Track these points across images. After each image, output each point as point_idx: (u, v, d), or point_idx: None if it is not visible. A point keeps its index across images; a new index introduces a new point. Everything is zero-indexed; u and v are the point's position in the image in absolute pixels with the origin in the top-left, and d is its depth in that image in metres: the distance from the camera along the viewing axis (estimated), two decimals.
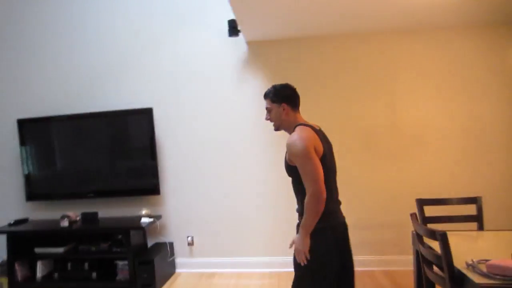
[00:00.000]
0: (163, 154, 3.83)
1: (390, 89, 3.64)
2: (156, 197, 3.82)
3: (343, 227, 1.93)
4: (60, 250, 3.56)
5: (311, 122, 1.99)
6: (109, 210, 3.89)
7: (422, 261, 2.04)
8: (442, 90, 3.60)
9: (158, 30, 3.83)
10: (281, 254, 3.73)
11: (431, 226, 2.66)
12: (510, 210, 3.57)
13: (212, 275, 3.72)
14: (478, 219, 2.70)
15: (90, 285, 3.49)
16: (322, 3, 2.83)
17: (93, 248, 3.54)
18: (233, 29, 3.57)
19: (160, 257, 3.53)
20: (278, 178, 3.72)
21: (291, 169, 1.86)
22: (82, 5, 3.90)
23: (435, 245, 2.03)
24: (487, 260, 1.74)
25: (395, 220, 3.62)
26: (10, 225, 3.70)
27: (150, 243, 3.85)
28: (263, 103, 3.73)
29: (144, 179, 3.74)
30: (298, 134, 1.82)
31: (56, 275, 3.60)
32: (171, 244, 3.82)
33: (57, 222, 3.71)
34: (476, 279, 1.61)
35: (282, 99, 1.97)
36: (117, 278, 3.50)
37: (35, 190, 3.85)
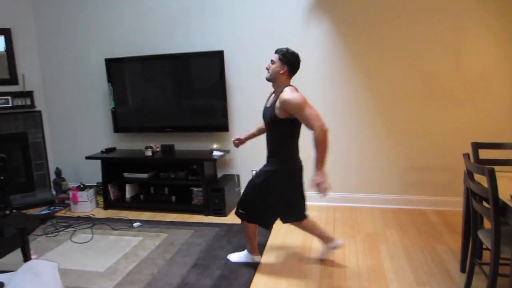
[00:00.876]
0: (231, 94, 4.16)
1: (455, 34, 3.59)
2: (225, 133, 4.23)
3: (301, 170, 2.61)
4: (144, 175, 4.15)
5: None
6: (184, 144, 4.38)
7: (471, 196, 2.25)
8: (509, 37, 3.49)
9: None
10: (337, 190, 4.05)
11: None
12: None
13: None
14: None
15: (170, 207, 4.07)
16: None
17: (172, 176, 4.08)
18: None
19: (229, 186, 4.00)
20: (338, 119, 3.94)
21: (279, 122, 2.40)
22: None
23: (484, 181, 2.22)
24: None
25: (450, 163, 3.76)
26: (102, 152, 4.32)
27: (219, 174, 4.33)
28: (327, 50, 3.89)
29: (215, 117, 4.12)
30: (295, 92, 2.37)
31: (141, 196, 4.24)
32: (238, 176, 4.27)
33: (141, 151, 4.27)
34: None
35: (287, 62, 2.45)
36: (193, 202, 4.05)
37: (120, 123, 4.41)
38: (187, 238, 3.31)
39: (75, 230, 3.60)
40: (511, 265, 1.85)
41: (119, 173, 4.26)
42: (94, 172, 4.64)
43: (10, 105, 4.42)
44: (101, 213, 4.10)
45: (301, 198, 2.71)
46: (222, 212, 3.87)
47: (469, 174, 2.25)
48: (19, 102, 4.50)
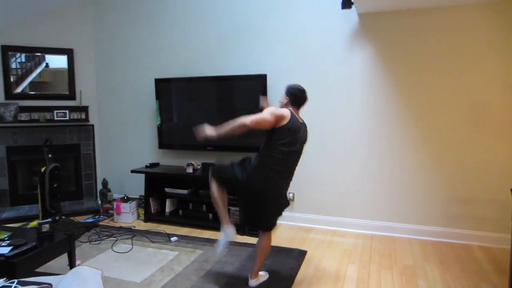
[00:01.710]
0: None
1: (505, 62, 3.48)
2: None
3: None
4: (184, 191, 4.29)
5: (300, 118, 2.82)
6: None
7: None
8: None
9: (273, 1, 4.14)
10: (375, 218, 3.97)
11: None
12: None
13: (309, 229, 4.13)
14: None
15: (207, 224, 4.16)
16: None
17: (211, 194, 4.17)
18: (346, 1, 3.71)
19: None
20: (381, 146, 3.89)
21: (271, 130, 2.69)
22: None
23: None
24: None
25: (499, 196, 3.57)
26: (146, 167, 4.53)
27: None
28: (368, 75, 3.89)
29: (255, 138, 4.20)
30: (282, 109, 2.73)
31: (180, 212, 4.37)
32: None
33: (182, 168, 4.42)
34: None
35: (289, 94, 2.84)
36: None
37: (164, 140, 4.61)
38: (221, 257, 3.36)
39: (116, 240, 3.76)
40: None
41: (160, 188, 4.43)
42: (137, 185, 4.85)
43: (67, 118, 4.77)
44: (141, 225, 4.26)
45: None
46: (257, 233, 3.88)
47: None
48: (75, 115, 4.86)
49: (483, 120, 3.57)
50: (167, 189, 4.37)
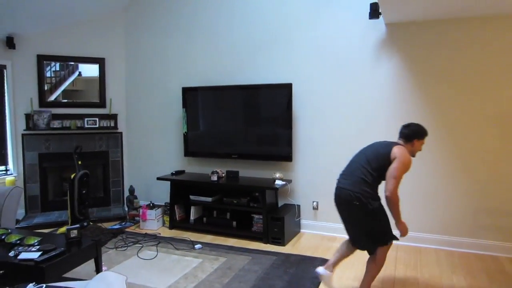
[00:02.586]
0: (297, 125, 4.23)
1: None
2: (288, 163, 4.28)
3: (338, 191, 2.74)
4: (209, 199, 4.31)
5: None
6: (248, 171, 4.50)
7: None
8: None
9: (303, 11, 4.14)
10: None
11: None
12: None
13: (333, 238, 4.07)
14: None
15: (230, 232, 4.17)
16: None
17: (235, 201, 4.19)
18: (374, 11, 3.68)
19: (289, 216, 4.00)
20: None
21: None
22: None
23: None
24: None
25: None
26: (172, 174, 4.59)
27: (280, 203, 4.36)
28: (395, 85, 3.82)
29: (279, 146, 4.21)
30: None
31: (204, 219, 4.39)
32: (298, 206, 4.26)
33: (207, 176, 4.46)
34: None
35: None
36: (253, 229, 4.10)
37: (190, 148, 4.67)
38: (245, 264, 3.35)
39: (142, 247, 3.82)
40: None
41: (185, 195, 4.48)
42: (163, 192, 4.92)
43: (97, 126, 4.93)
44: (166, 232, 4.31)
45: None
46: (281, 242, 3.86)
47: None
48: (104, 123, 5.01)
49: (509, 132, 3.43)
50: (192, 197, 4.41)
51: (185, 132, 4.67)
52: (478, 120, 3.55)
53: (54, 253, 2.54)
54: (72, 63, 4.92)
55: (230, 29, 4.50)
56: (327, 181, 4.15)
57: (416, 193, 3.81)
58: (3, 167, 4.68)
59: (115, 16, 5.10)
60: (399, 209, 2.57)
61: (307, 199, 4.26)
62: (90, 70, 5.01)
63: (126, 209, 4.84)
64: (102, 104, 5.04)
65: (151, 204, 4.55)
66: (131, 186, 4.87)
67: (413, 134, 2.71)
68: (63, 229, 3.99)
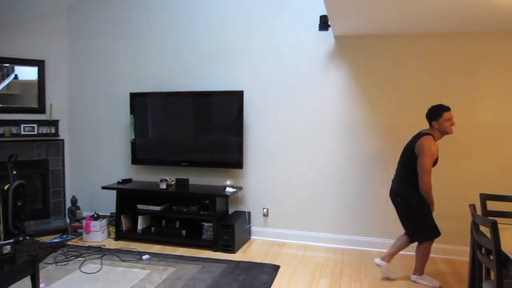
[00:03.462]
0: (248, 132, 4.26)
1: (470, 88, 3.67)
2: (239, 170, 4.28)
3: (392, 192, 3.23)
4: (157, 208, 4.20)
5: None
6: (199, 178, 4.45)
7: (476, 246, 2.22)
8: None
9: (255, 20, 4.19)
10: (346, 233, 4.02)
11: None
12: None
13: (282, 244, 4.12)
14: None
15: (180, 241, 4.08)
16: (412, 4, 2.94)
17: (184, 210, 4.12)
18: (323, 24, 3.81)
19: (239, 223, 4.00)
20: (349, 166, 3.97)
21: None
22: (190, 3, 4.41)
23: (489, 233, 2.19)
24: None
25: (461, 211, 3.70)
26: (118, 183, 4.42)
27: (230, 210, 4.35)
28: (342, 96, 3.98)
29: (230, 154, 4.20)
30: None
31: (152, 229, 4.26)
32: (249, 213, 4.28)
33: (156, 184, 4.35)
34: None
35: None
36: (202, 237, 4.05)
37: (138, 155, 4.53)
38: (194, 274, 3.29)
39: (85, 260, 3.63)
40: None
41: (132, 205, 4.33)
42: (109, 202, 4.71)
43: (35, 132, 4.61)
44: (112, 244, 4.13)
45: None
46: (231, 249, 3.85)
47: (474, 225, 2.22)
48: (44, 130, 4.70)
49: (447, 139, 3.68)
50: (139, 206, 4.27)
51: (133, 139, 4.52)
52: (417, 125, 3.77)
53: None
54: (7, 65, 4.58)
55: (182, 34, 4.45)
56: (277, 188, 4.22)
57: (361, 199, 3.98)
58: None
59: (57, 17, 4.83)
60: (431, 196, 3.01)
61: (257, 206, 4.29)
62: (28, 73, 4.69)
63: (68, 221, 4.57)
64: (41, 109, 4.73)
65: (95, 215, 4.34)
66: (73, 197, 4.61)
67: (428, 117, 3.09)
68: None
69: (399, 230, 3.84)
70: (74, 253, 3.78)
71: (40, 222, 4.61)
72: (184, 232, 4.14)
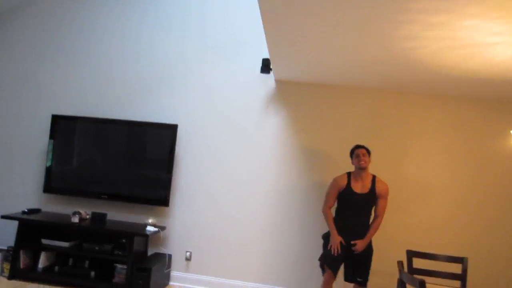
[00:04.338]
0: (179, 169, 4.03)
1: (399, 145, 3.86)
2: (164, 208, 3.99)
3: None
4: (65, 244, 3.72)
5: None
6: (119, 214, 4.05)
7: None
8: (448, 154, 3.81)
9: (195, 56, 4.14)
10: (272, 283, 3.83)
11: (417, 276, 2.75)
12: (496, 275, 3.64)
13: None
14: (462, 278, 2.81)
15: (87, 283, 3.61)
16: (352, 62, 3.11)
17: (97, 248, 3.69)
18: (265, 67, 3.86)
19: (158, 267, 3.65)
20: (281, 213, 3.91)
21: (374, 201, 3.27)
22: (123, 22, 4.26)
23: None
24: None
25: (387, 268, 3.68)
26: (23, 213, 3.89)
27: (150, 251, 3.98)
28: (280, 140, 3.98)
29: (156, 190, 3.92)
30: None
31: (56, 268, 3.74)
32: (170, 256, 3.94)
33: (68, 217, 3.88)
34: None
35: (370, 155, 3.30)
36: (114, 280, 3.62)
37: (53, 183, 4.05)
38: None
39: None
40: None
41: (37, 238, 3.79)
42: (8, 234, 4.09)
43: None
44: (3, 284, 3.53)
45: None
46: None
47: (401, 283, 2.18)
48: None
49: None
50: (44, 240, 3.75)
51: (49, 166, 4.07)
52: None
53: None
54: None
55: (121, 60, 4.24)
56: (203, 231, 3.97)
57: (287, 248, 3.86)
58: None
59: None
60: (328, 223, 3.29)
61: (180, 249, 3.97)
62: None
63: None
64: None
65: None
66: None
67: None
68: None
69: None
70: None
71: None
72: (93, 273, 3.67)
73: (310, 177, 3.91)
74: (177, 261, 3.96)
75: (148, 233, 3.59)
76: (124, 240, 3.70)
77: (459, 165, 3.79)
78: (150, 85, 4.18)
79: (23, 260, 3.75)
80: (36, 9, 4.39)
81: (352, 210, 3.26)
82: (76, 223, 3.69)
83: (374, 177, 3.28)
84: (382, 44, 2.67)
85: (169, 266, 3.91)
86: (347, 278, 3.31)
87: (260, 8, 2.31)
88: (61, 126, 4.09)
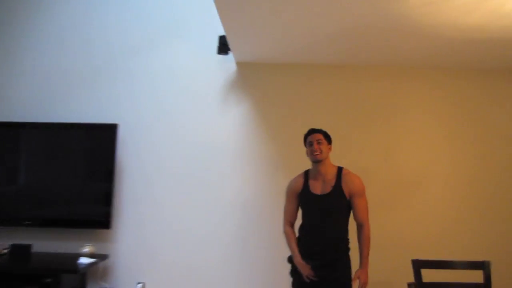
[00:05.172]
0: (123, 180, 3.22)
1: (388, 129, 3.24)
2: (105, 231, 3.14)
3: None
4: None
5: None
6: (48, 243, 3.15)
7: None
8: (447, 134, 3.22)
9: (138, 41, 3.36)
10: None
11: None
12: None
13: None
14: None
15: None
16: (319, 33, 2.57)
17: None
18: (223, 46, 3.14)
19: None
20: (249, 228, 3.18)
21: (346, 206, 2.37)
22: (58, 15, 3.44)
23: None
24: None
25: (385, 275, 3.02)
26: None
27: (91, 287, 3.14)
28: (246, 133, 3.24)
29: (94, 208, 3.11)
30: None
31: None
32: None
33: None
34: None
35: (330, 142, 2.46)
36: None
37: None
38: None
39: None
40: None
41: None
42: None
43: None
44: None
45: None
46: None
47: None
48: None
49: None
50: None
51: None
52: None
53: None
54: None
55: (44, 46, 3.38)
56: (157, 256, 3.16)
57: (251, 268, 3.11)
58: None
59: None
60: (288, 244, 2.49)
61: (129, 281, 3.13)
62: None
63: None
64: None
65: None
66: None
67: None
68: None
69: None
70: None
71: None
72: None
73: (284, 180, 3.14)
74: None
75: (80, 267, 2.75)
76: (49, 280, 2.85)
77: (462, 148, 3.19)
78: (84, 78, 3.36)
79: None
80: None
81: (313, 221, 2.38)
82: None
83: (340, 169, 2.40)
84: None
85: None
86: None
87: None
88: None
